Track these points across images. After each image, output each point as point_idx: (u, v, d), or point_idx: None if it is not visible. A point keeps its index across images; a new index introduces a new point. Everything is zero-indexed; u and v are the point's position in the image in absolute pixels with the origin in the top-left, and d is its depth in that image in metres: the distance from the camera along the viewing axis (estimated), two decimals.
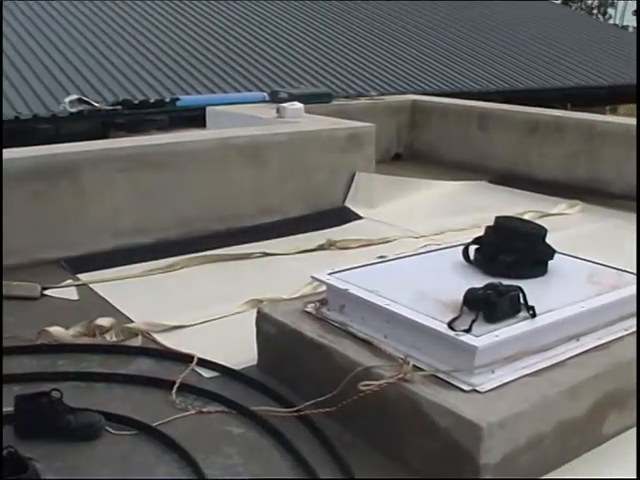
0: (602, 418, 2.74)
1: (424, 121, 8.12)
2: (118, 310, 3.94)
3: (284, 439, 2.69)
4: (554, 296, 2.91)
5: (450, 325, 2.57)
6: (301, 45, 13.28)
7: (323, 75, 11.91)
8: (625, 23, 73.47)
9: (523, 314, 2.69)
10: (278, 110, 6.62)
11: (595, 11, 75.84)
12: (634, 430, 2.84)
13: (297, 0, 15.84)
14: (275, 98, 7.53)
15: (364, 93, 10.03)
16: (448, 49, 14.70)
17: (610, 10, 78.43)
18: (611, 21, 73.79)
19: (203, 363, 3.27)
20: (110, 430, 2.76)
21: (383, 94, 10.01)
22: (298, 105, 6.66)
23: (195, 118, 7.78)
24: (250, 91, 10.12)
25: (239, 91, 10.26)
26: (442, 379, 2.55)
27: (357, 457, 2.59)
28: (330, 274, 3.15)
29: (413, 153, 8.08)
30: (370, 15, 15.91)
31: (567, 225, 5.56)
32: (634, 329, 2.99)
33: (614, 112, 32.30)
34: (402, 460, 2.58)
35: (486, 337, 2.53)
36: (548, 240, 3.31)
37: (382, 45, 14.14)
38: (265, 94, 8.64)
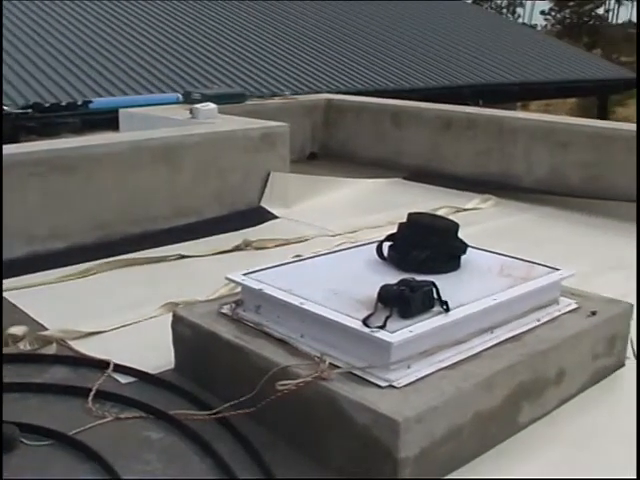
0: (517, 408, 2.79)
1: (338, 120, 8.16)
2: (32, 318, 3.85)
3: (203, 442, 2.67)
4: (467, 290, 2.95)
5: (365, 322, 2.58)
6: (214, 45, 13.23)
7: (237, 75, 11.88)
8: (533, 22, 75.03)
9: (437, 309, 2.72)
10: (191, 111, 6.57)
11: (505, 10, 77.49)
12: (547, 418, 2.91)
13: (210, 0, 15.73)
14: (188, 99, 7.47)
15: (278, 93, 10.03)
16: (362, 48, 14.81)
17: (519, 9, 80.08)
18: (520, 20, 75.39)
19: (120, 369, 3.22)
20: (25, 441, 2.69)
21: (297, 93, 10.03)
22: (211, 106, 6.62)
23: (108, 121, 7.68)
24: (163, 92, 10.04)
25: (152, 92, 10.17)
26: (359, 376, 2.55)
27: (277, 457, 2.58)
28: (245, 274, 3.14)
29: (328, 152, 8.11)
30: (284, 14, 15.93)
31: (480, 219, 5.66)
32: (546, 319, 3.07)
33: (526, 108, 32.99)
34: (322, 458, 2.58)
35: (400, 333, 2.55)
36: (461, 235, 3.35)
37: (296, 44, 14.17)
38: (178, 95, 8.56)
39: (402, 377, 2.54)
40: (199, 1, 15.55)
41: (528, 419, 2.85)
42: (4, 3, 12.66)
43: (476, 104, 11.73)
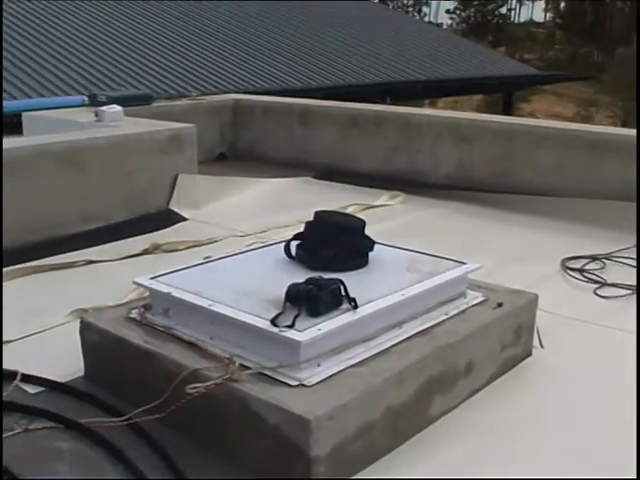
0: (428, 401, 2.83)
1: (246, 120, 8.14)
2: None
3: (115, 449, 2.62)
4: (375, 286, 2.96)
5: (273, 322, 2.58)
6: (120, 47, 13.06)
7: (143, 77, 11.76)
8: (439, 21, 76.38)
9: (345, 306, 2.72)
10: (97, 114, 6.47)
11: (411, 9, 78.58)
12: (458, 409, 2.96)
13: (114, 0, 15.51)
14: (94, 101, 7.35)
15: (185, 94, 9.95)
16: (270, 48, 14.82)
17: (425, 8, 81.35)
18: (426, 19, 76.59)
19: (27, 379, 3.13)
20: None
21: (205, 94, 9.96)
22: (117, 108, 6.52)
23: (11, 125, 7.48)
24: (68, 95, 9.85)
25: (57, 95, 9.97)
26: (269, 376, 2.55)
27: (191, 461, 2.56)
28: (152, 278, 3.10)
29: (237, 152, 8.08)
30: (190, 15, 15.82)
31: (389, 216, 5.72)
32: (454, 312, 3.12)
33: (433, 105, 33.49)
34: (236, 460, 2.56)
35: (309, 331, 2.55)
36: (371, 231, 3.37)
37: (203, 45, 14.09)
38: (84, 97, 8.40)
39: (312, 375, 2.54)
40: (103, 2, 15.31)
41: (439, 411, 2.89)
42: None
43: (383, 102, 11.84)
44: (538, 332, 3.51)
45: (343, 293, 2.73)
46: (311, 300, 2.64)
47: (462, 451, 2.71)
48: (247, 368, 2.58)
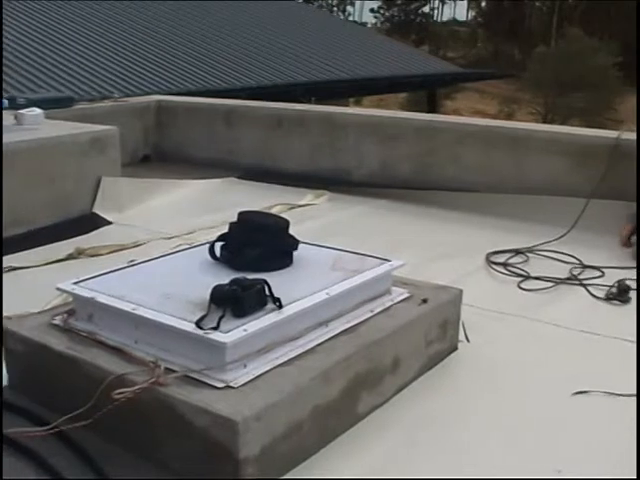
0: (356, 398, 2.84)
1: (170, 121, 8.06)
2: None
3: (39, 459, 2.58)
4: (300, 286, 2.96)
5: (198, 324, 2.56)
6: (40, 48, 12.83)
7: (65, 78, 11.58)
8: (364, 20, 77.02)
9: (270, 306, 2.71)
10: (16, 117, 6.34)
11: (335, 9, 78.97)
12: (386, 406, 2.98)
13: (34, 0, 15.23)
14: (13, 104, 7.19)
15: (108, 95, 9.82)
16: (194, 48, 14.73)
17: (349, 8, 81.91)
18: (350, 18, 77.11)
19: None
20: None
21: (128, 95, 9.85)
22: (37, 111, 6.40)
23: None
24: None
25: None
26: (195, 379, 2.53)
27: (119, 467, 2.52)
28: (75, 283, 3.04)
29: (162, 154, 8.00)
30: (112, 16, 15.62)
31: (315, 215, 5.74)
32: (379, 309, 3.13)
33: (359, 104, 33.71)
34: (165, 464, 2.54)
35: (235, 332, 2.53)
36: (296, 231, 3.37)
37: (125, 46, 13.94)
38: (4, 100, 8.23)
39: (239, 377, 2.53)
40: (22, 2, 15.03)
41: (367, 408, 2.90)
42: None
43: (308, 101, 11.87)
44: (464, 326, 3.55)
45: (268, 293, 2.72)
46: (236, 301, 2.63)
47: (390, 447, 2.73)
48: (173, 371, 2.55)
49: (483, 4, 77.81)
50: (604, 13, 61.38)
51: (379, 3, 78.39)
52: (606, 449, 2.77)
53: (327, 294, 2.89)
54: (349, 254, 3.38)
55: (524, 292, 4.37)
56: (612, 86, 44.63)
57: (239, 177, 6.97)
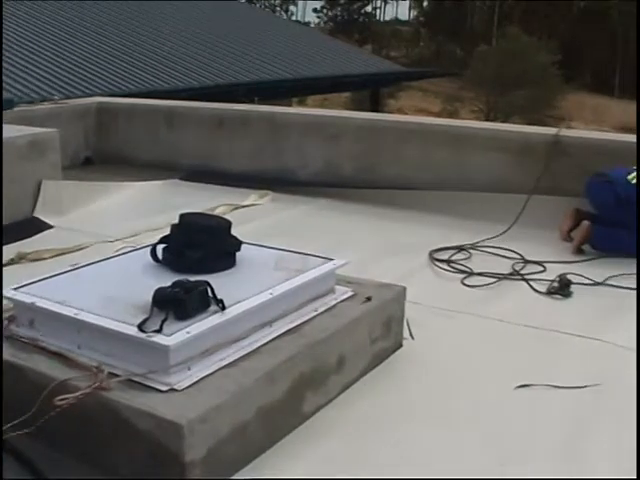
0: (301, 398, 2.84)
1: (112, 123, 7.98)
2: None
3: None
4: (243, 287, 2.95)
5: (140, 327, 2.54)
6: None
7: (3, 80, 11.37)
8: (307, 20, 77.21)
9: (213, 308, 2.70)
10: None
11: (278, 9, 79.00)
12: (332, 405, 2.98)
13: None
14: None
15: (47, 97, 9.70)
16: (135, 49, 14.61)
17: (292, 7, 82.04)
18: (293, 18, 77.21)
19: None
20: None
21: (69, 97, 9.73)
22: None
23: None
24: None
25: None
26: (139, 383, 2.51)
27: (63, 473, 2.50)
28: (15, 289, 3.00)
29: (103, 156, 7.91)
30: (50, 15, 15.42)
31: (258, 215, 5.72)
32: (323, 309, 3.14)
33: (303, 104, 33.73)
34: (110, 469, 2.51)
35: (178, 335, 2.52)
36: (240, 231, 3.36)
37: (65, 47, 13.77)
38: None
39: (183, 379, 2.52)
40: None
41: (313, 408, 2.91)
42: None
43: (251, 102, 11.84)
44: (408, 324, 3.57)
45: (210, 295, 2.71)
46: (178, 303, 2.61)
47: (336, 446, 2.74)
48: (116, 376, 2.53)
49: (425, 4, 78.49)
50: (543, 13, 62.36)
51: (322, 3, 78.60)
52: (549, 442, 2.81)
53: (270, 294, 2.89)
54: (292, 254, 3.38)
55: (467, 288, 4.41)
56: (552, 84, 45.36)
57: (182, 179, 6.93)
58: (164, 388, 2.48)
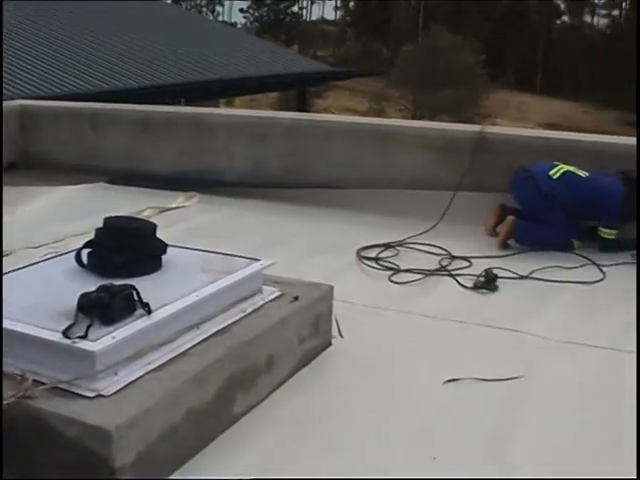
0: (231, 399, 2.84)
1: (36, 126, 7.83)
2: None
3: None
4: (169, 289, 2.94)
5: (65, 334, 2.51)
6: None
7: None
8: (233, 20, 76.93)
9: (139, 312, 2.69)
10: None
11: (204, 9, 78.52)
12: (263, 405, 2.99)
13: None
14: None
15: None
16: (59, 51, 14.37)
17: (218, 8, 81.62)
18: (220, 18, 76.84)
19: None
20: None
21: None
22: None
23: None
24: None
25: None
26: (66, 390, 2.48)
27: None
28: None
29: (28, 161, 7.74)
30: None
31: (185, 217, 5.69)
32: (251, 309, 3.14)
33: (230, 104, 33.59)
34: (40, 478, 2.48)
35: (103, 340, 2.50)
36: (167, 234, 3.36)
37: None
38: None
39: (110, 385, 2.50)
40: None
41: (243, 408, 2.91)
42: None
43: (178, 103, 11.76)
44: (337, 322, 3.60)
45: (136, 298, 2.69)
46: (103, 308, 2.59)
47: (268, 446, 2.75)
48: (42, 384, 2.49)
49: (351, 4, 78.88)
50: (467, 13, 63.25)
51: (248, 3, 78.40)
52: (478, 434, 2.86)
53: (197, 297, 2.89)
54: (218, 255, 3.37)
55: (395, 285, 4.45)
56: (477, 83, 46.02)
57: (108, 182, 6.83)
58: (91, 394, 2.46)
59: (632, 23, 61.95)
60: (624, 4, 70.96)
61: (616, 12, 71.88)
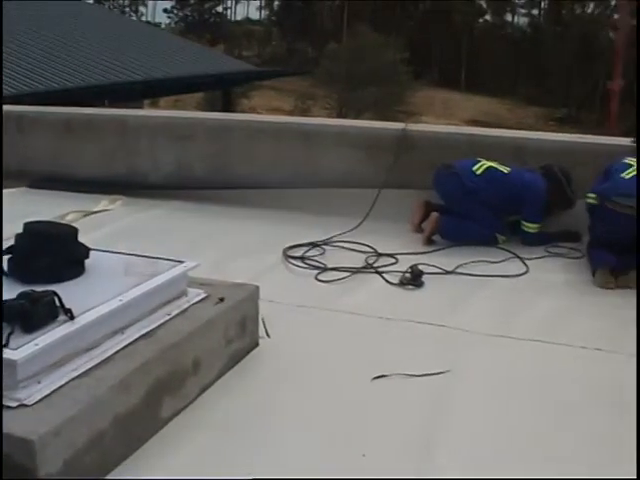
0: (158, 403, 2.82)
1: None
2: None
3: None
4: (93, 294, 2.89)
5: None
6: None
7: None
8: (157, 20, 76.16)
9: (62, 318, 2.64)
10: None
11: (128, 9, 77.57)
12: (190, 408, 2.97)
13: None
14: None
15: None
16: None
17: (142, 8, 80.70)
18: (143, 18, 76.05)
19: None
20: None
21: None
22: None
23: None
24: None
25: None
26: None
27: None
28: None
29: None
30: None
31: (110, 221, 5.63)
32: (176, 312, 3.12)
33: (155, 105, 33.30)
34: None
35: (25, 348, 2.45)
36: (91, 238, 3.33)
37: None
38: None
39: (33, 394, 2.45)
40: None
41: (171, 412, 2.89)
42: None
43: (101, 104, 11.61)
44: (264, 322, 3.60)
45: (58, 304, 2.65)
46: (24, 315, 2.54)
47: (197, 449, 2.74)
48: None
49: (276, 3, 78.85)
50: (391, 12, 63.81)
51: (172, 3, 77.72)
52: (406, 430, 2.89)
53: (120, 301, 2.86)
54: (142, 258, 3.34)
55: (322, 284, 4.47)
56: (402, 80, 46.42)
57: (31, 186, 6.70)
58: (13, 404, 2.41)
59: (550, 21, 63.59)
60: (543, 3, 72.30)
61: (535, 11, 73.21)
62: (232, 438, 2.82)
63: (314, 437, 2.84)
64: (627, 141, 5.48)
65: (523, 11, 73.72)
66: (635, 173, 4.71)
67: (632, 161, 4.83)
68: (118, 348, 2.79)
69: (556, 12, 67.30)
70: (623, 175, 4.74)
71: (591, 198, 4.91)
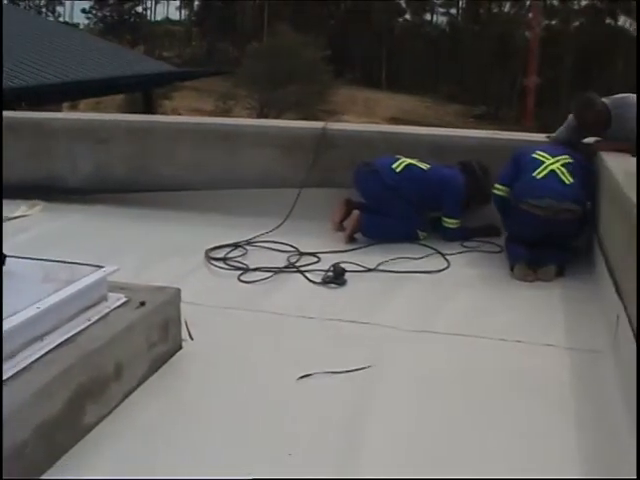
0: (81, 410, 2.79)
1: None
2: None
3: None
4: (9, 302, 2.83)
5: None
6: None
7: None
8: (75, 21, 74.78)
9: None
10: None
11: (44, 9, 76.02)
12: (114, 414, 2.95)
13: None
14: None
15: None
16: None
17: (59, 8, 79.17)
18: (61, 19, 74.58)
19: None
20: None
21: None
22: None
23: None
24: None
25: None
26: None
27: None
28: None
29: None
30: None
31: (28, 227, 5.52)
32: (97, 317, 3.09)
33: (75, 108, 32.74)
34: None
35: None
36: (9, 245, 3.24)
37: None
38: None
39: None
40: None
41: (95, 419, 2.87)
42: None
43: (19, 108, 11.38)
44: (186, 325, 3.58)
45: None
46: None
47: (121, 455, 2.72)
48: None
49: (195, 3, 78.30)
50: (312, 12, 63.99)
51: (91, 3, 76.41)
52: (332, 427, 2.92)
53: (38, 308, 2.82)
54: (61, 264, 3.29)
55: (244, 285, 4.47)
56: (323, 79, 46.52)
57: None
58: None
59: (468, 21, 64.58)
60: (461, 3, 73.26)
61: (454, 10, 74.12)
62: (157, 441, 2.82)
63: (239, 438, 2.84)
64: (542, 137, 5.61)
65: (442, 10, 74.59)
66: (546, 172, 4.81)
67: (541, 156, 4.92)
68: (38, 355, 2.75)
69: (474, 11, 68.29)
70: (535, 175, 4.82)
71: (500, 190, 5.01)
